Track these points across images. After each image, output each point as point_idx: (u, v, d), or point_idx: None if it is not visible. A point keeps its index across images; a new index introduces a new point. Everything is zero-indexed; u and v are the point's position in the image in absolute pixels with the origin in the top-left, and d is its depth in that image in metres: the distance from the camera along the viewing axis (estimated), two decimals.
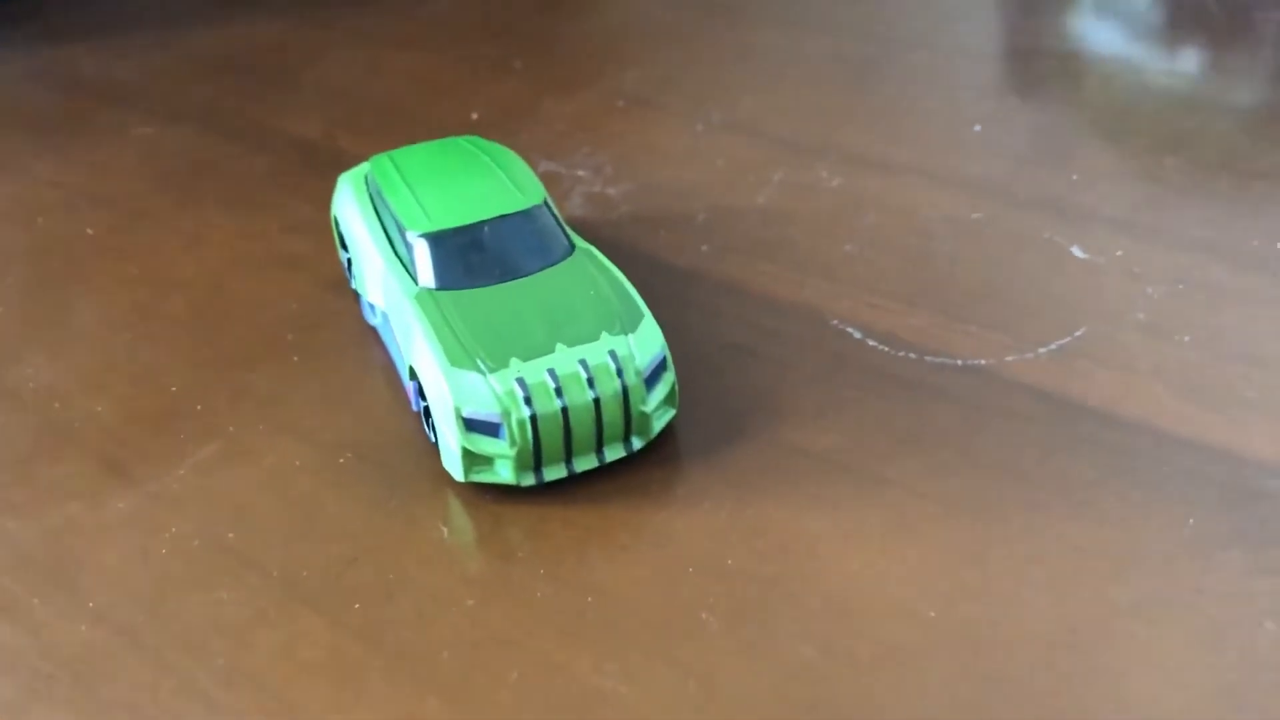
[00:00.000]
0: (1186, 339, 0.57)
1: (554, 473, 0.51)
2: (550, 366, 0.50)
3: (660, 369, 0.52)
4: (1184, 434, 0.52)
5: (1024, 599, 0.45)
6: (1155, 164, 0.70)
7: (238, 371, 0.59)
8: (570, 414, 0.49)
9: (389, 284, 0.56)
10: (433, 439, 0.53)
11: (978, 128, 0.75)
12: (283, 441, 0.55)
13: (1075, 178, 0.70)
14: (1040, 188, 0.69)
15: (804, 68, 0.85)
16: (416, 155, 0.61)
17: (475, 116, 0.81)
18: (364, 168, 0.64)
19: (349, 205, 0.62)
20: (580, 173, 0.74)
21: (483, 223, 0.56)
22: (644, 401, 0.51)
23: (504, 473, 0.50)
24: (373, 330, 0.62)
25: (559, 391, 0.49)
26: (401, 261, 0.56)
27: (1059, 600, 0.45)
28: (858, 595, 0.46)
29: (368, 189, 0.62)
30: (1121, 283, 0.61)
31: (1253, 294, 0.60)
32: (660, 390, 0.52)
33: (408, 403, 0.57)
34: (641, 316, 0.52)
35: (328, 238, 0.69)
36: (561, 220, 0.58)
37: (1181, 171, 0.70)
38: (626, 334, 0.51)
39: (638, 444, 0.52)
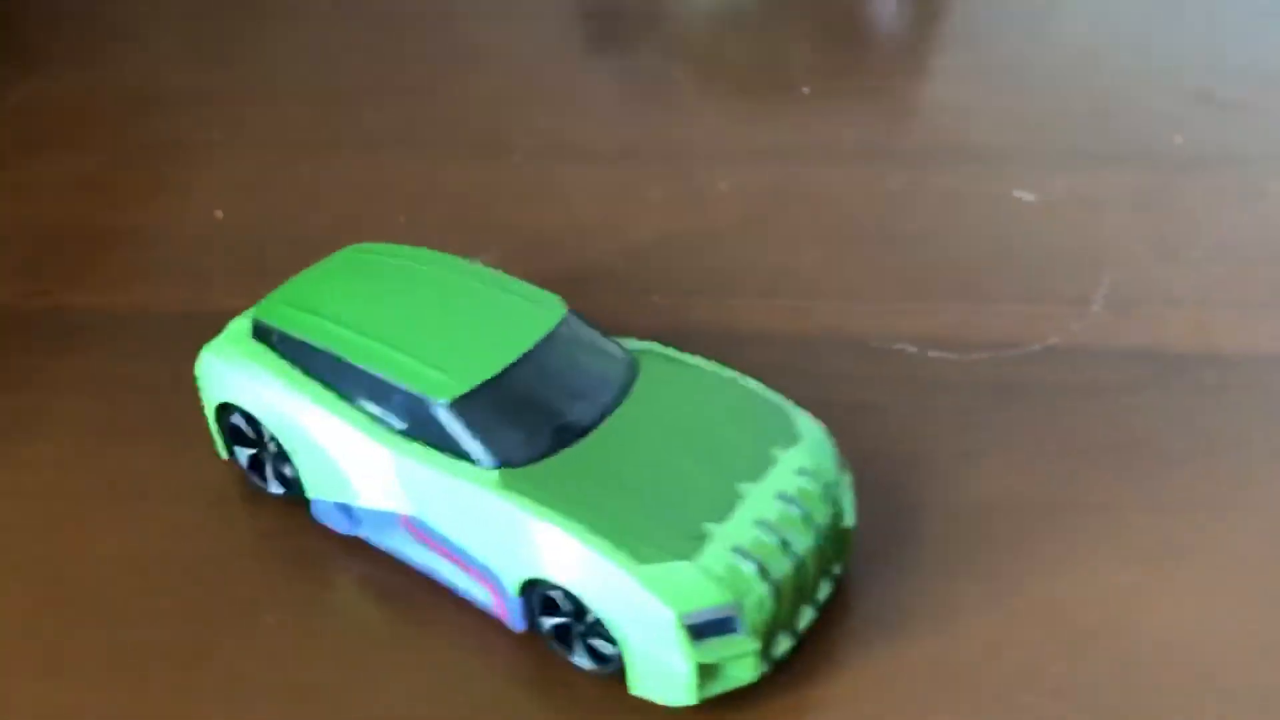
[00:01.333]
0: (1196, 254, 0.55)
1: (782, 646, 0.39)
2: (756, 517, 0.38)
3: (841, 469, 0.41)
4: None
5: None
6: (979, 83, 0.68)
7: (232, 665, 0.40)
8: (804, 566, 0.38)
9: (411, 474, 0.40)
10: (585, 664, 0.39)
11: (806, 89, 0.69)
12: None
13: (979, 121, 0.66)
14: (930, 137, 0.64)
15: (524, 67, 0.73)
16: (331, 292, 0.44)
17: (220, 214, 0.61)
18: (240, 327, 0.45)
19: (257, 383, 0.43)
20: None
21: (524, 359, 0.41)
22: (846, 516, 0.40)
23: (744, 673, 0.37)
24: (347, 542, 0.44)
25: (785, 545, 0.37)
26: (421, 441, 0.40)
27: None
28: (1208, 662, 0.39)
29: (279, 354, 0.43)
30: (1089, 216, 0.58)
31: (1202, 188, 0.59)
32: (851, 495, 0.41)
33: (493, 621, 0.41)
34: (790, 412, 0.41)
35: (159, 437, 0.49)
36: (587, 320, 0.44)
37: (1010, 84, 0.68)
38: (794, 442, 0.40)
39: (838, 570, 0.41)
